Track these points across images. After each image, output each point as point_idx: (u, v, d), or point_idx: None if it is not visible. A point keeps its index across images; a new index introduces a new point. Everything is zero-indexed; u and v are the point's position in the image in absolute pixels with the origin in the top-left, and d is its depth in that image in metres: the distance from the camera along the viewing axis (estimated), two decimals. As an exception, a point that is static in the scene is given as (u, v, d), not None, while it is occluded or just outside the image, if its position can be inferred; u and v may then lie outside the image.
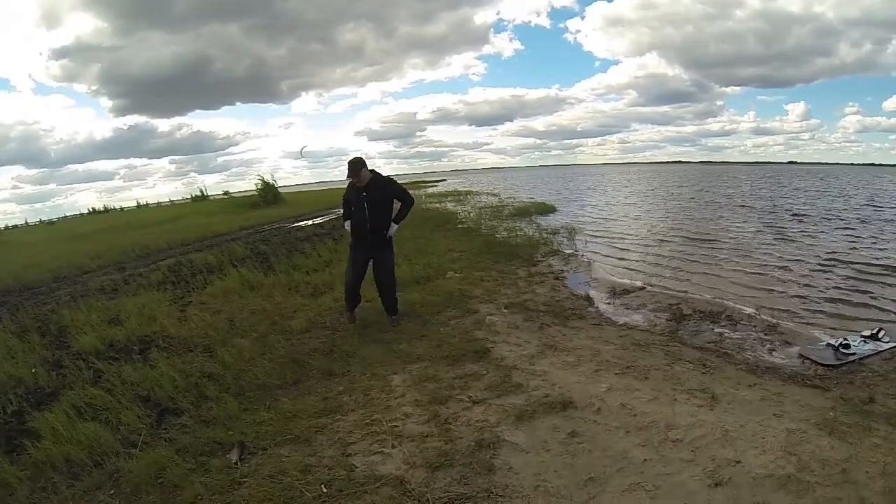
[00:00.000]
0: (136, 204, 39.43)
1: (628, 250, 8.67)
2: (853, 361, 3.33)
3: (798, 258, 7.34)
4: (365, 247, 4.31)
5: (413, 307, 4.86)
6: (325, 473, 2.37)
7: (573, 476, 2.24)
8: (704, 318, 4.56)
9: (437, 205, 19.13)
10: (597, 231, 11.13)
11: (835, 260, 7.16)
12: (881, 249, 7.90)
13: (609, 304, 5.29)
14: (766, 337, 4.00)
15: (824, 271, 6.54)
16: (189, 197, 35.20)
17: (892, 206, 14.93)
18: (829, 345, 3.57)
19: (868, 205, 15.34)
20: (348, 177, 4.15)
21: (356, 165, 4.12)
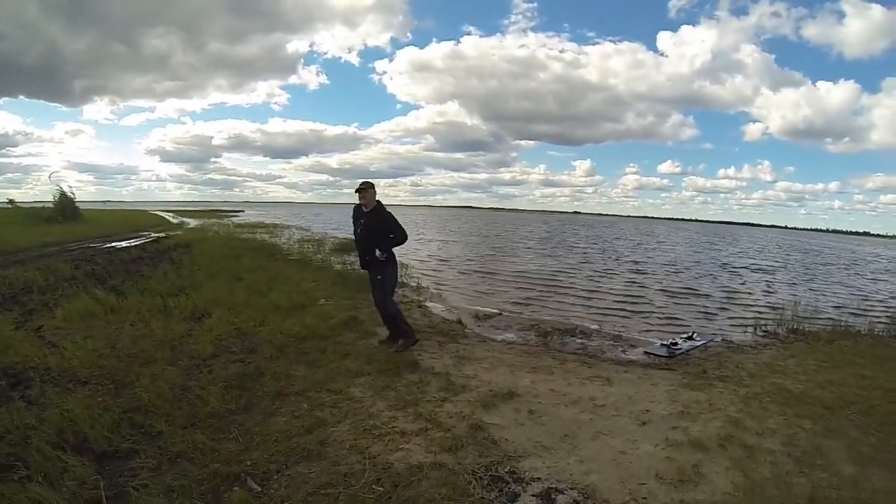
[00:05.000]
0: None
1: (463, 283, 9.80)
2: (681, 353, 4.81)
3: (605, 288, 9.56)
4: (365, 266, 4.75)
5: (316, 330, 4.86)
6: (368, 476, 2.34)
7: (554, 436, 2.82)
8: (563, 333, 5.73)
9: (253, 235, 18.12)
10: (426, 267, 11.97)
11: (639, 285, 9.80)
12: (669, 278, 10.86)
13: (480, 326, 6.05)
14: (616, 343, 5.34)
15: (635, 291, 8.85)
16: (-45, 204, 28.47)
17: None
18: (662, 344, 5.05)
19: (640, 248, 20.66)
20: (358, 191, 4.52)
21: (368, 184, 4.58)
